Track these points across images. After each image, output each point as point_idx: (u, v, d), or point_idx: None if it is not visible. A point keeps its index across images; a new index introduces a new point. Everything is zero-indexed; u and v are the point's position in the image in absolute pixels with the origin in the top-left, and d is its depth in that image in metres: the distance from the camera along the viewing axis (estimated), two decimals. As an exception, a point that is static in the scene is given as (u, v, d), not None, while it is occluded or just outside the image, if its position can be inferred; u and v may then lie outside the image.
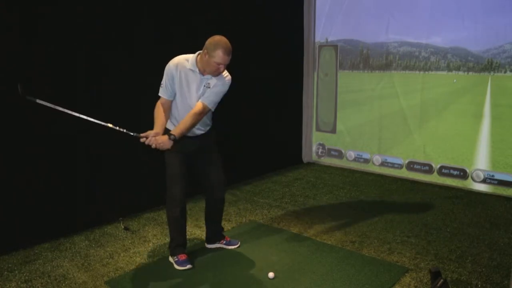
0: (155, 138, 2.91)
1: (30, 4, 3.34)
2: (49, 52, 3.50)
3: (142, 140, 2.92)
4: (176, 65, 2.99)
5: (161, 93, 3.06)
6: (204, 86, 3.02)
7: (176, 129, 2.97)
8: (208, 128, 3.22)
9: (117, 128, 2.90)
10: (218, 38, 2.91)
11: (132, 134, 2.91)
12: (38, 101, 2.81)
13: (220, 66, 2.91)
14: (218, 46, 2.86)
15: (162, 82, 3.05)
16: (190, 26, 4.47)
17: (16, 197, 3.41)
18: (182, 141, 3.02)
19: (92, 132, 3.81)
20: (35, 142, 3.48)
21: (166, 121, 3.08)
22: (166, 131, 3.02)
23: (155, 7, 4.23)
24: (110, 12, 3.86)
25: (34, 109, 3.43)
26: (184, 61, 3.01)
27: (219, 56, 2.86)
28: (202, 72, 3.00)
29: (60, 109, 2.84)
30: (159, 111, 3.04)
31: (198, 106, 2.99)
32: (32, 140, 3.47)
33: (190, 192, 3.28)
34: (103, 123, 2.88)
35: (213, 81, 3.03)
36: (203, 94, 3.03)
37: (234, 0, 5.04)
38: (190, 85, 3.02)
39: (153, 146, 2.92)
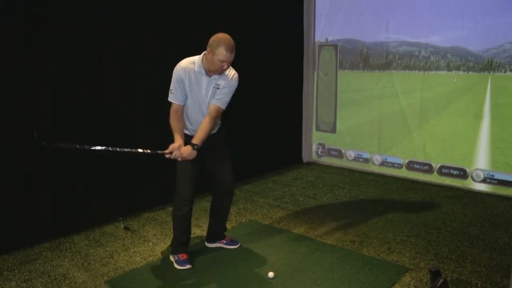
0: (179, 151, 2.94)
1: (30, 4, 3.33)
2: (49, 52, 3.49)
3: (167, 156, 2.96)
4: (184, 69, 2.98)
5: (172, 99, 3.03)
6: (214, 87, 3.02)
7: (196, 138, 2.99)
8: (218, 127, 3.23)
9: (144, 151, 2.99)
10: (220, 36, 2.89)
11: (158, 152, 2.97)
12: (60, 145, 3.01)
13: (224, 63, 2.89)
14: (220, 44, 2.84)
15: (171, 88, 3.02)
16: (191, 26, 4.47)
17: (16, 197, 3.41)
18: None
19: (92, 132, 3.83)
20: (35, 142, 3.47)
21: (183, 128, 3.07)
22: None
23: (155, 8, 4.23)
24: (110, 12, 3.85)
25: (34, 110, 3.45)
26: (191, 64, 2.99)
27: (222, 53, 2.84)
28: (209, 73, 2.99)
29: (85, 147, 3.00)
30: (175, 121, 3.02)
31: (212, 109, 3.02)
32: (32, 140, 3.46)
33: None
34: (132, 150, 2.98)
35: (221, 82, 3.02)
36: (213, 95, 3.03)
37: (234, 0, 5.03)
38: (200, 88, 3.01)
39: (179, 159, 2.96)
